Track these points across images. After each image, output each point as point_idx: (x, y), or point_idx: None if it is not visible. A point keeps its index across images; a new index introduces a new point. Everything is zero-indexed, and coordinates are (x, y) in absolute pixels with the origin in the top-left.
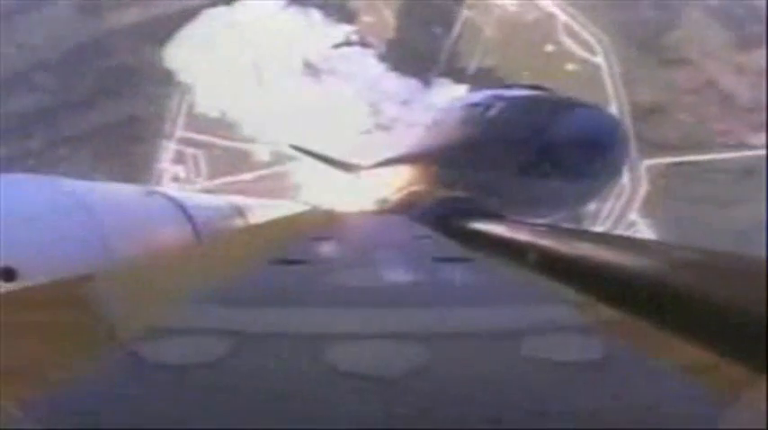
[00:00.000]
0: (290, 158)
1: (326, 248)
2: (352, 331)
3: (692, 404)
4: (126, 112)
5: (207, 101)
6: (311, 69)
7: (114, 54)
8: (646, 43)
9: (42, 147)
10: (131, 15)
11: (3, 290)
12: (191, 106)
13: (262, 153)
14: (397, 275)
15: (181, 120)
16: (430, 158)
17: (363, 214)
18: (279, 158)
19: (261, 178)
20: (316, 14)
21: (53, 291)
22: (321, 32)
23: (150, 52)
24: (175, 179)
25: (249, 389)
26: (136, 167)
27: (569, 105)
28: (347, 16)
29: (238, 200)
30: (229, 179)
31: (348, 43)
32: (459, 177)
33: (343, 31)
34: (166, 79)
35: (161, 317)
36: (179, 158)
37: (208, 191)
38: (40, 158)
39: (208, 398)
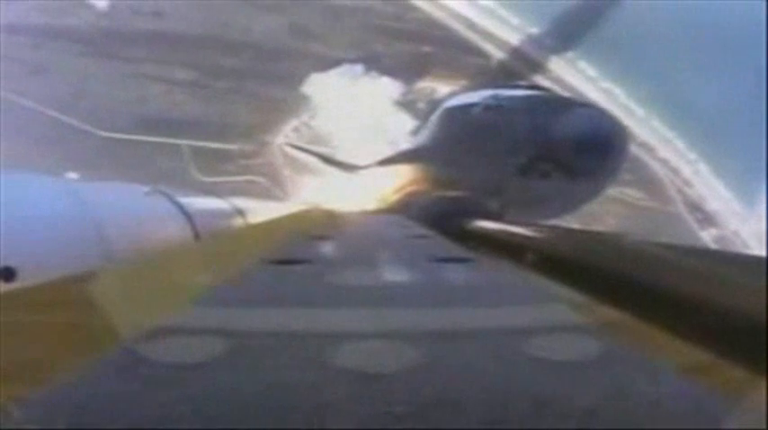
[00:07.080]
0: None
1: (326, 248)
2: (351, 331)
3: (692, 404)
4: (278, 94)
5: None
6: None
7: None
8: None
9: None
10: None
11: (3, 290)
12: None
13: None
14: (397, 275)
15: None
16: (429, 158)
17: (363, 214)
18: None
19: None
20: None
21: (53, 290)
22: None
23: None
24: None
25: (248, 389)
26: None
27: (569, 105)
28: None
29: (238, 200)
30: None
31: None
32: (459, 177)
33: None
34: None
35: (161, 316)
36: (296, 129)
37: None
38: None
39: (207, 398)
